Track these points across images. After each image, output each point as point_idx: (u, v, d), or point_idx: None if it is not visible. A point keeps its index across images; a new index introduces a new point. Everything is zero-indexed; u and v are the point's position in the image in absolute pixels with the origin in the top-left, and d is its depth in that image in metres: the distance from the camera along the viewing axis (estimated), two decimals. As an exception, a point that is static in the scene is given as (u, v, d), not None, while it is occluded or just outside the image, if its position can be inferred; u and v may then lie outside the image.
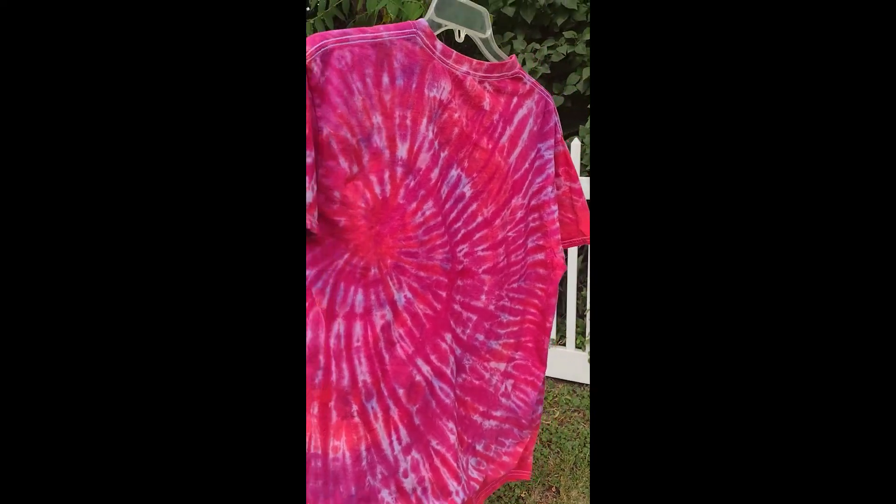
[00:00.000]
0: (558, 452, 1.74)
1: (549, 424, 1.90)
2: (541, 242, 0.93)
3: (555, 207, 0.92)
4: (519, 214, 0.88)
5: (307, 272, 0.68)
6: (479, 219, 0.83)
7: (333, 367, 0.70)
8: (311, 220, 0.63)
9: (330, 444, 0.72)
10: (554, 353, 2.13)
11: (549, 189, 0.91)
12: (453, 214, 0.79)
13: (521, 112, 0.83)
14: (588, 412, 1.94)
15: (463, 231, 0.81)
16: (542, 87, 0.86)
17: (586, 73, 2.11)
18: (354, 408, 0.72)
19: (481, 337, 0.88)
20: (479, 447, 0.92)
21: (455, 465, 0.85)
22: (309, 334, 0.69)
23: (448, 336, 0.81)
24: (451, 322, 0.82)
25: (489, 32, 0.78)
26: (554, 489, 1.58)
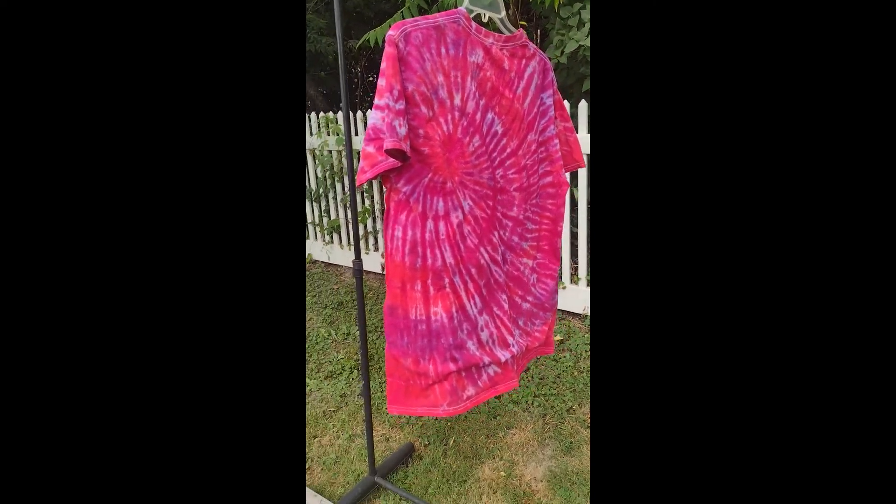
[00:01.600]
0: (613, 380, 1.95)
1: (608, 359, 2.11)
2: (548, 168, 1.20)
3: (556, 141, 1.19)
4: (533, 147, 1.16)
5: (405, 188, 1.01)
6: (508, 150, 1.12)
7: (429, 254, 1.05)
8: (406, 147, 0.94)
9: (431, 310, 1.08)
10: (568, 289, 2.31)
11: (552, 127, 1.18)
12: (491, 146, 1.10)
13: (529, 70, 1.10)
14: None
15: (498, 159, 1.12)
16: (541, 51, 1.12)
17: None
18: (446, 280, 1.08)
19: (516, 238, 1.20)
20: (520, 322, 1.25)
21: (510, 325, 1.22)
22: (409, 232, 1.03)
23: (495, 234, 1.15)
24: (496, 225, 1.15)
25: (503, 13, 1.05)
26: (603, 405, 1.81)
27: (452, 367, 1.11)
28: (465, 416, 1.77)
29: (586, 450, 1.59)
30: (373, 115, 0.93)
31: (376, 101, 0.93)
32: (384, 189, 1.04)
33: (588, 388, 1.90)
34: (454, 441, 1.66)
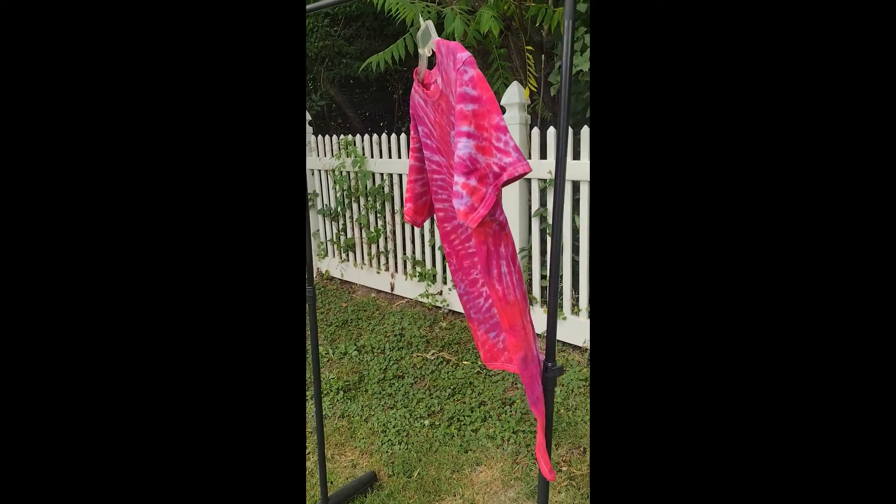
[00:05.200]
0: (600, 421, 1.84)
1: (600, 398, 2.00)
2: None
3: None
4: None
5: (501, 217, 0.93)
6: None
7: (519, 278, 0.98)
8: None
9: (534, 338, 1.00)
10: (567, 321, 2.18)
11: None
12: None
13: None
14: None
15: None
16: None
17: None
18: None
19: None
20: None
21: None
22: (514, 264, 0.95)
23: None
24: None
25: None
26: (582, 448, 1.71)
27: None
28: (436, 448, 1.74)
29: (552, 495, 1.51)
30: (467, 144, 0.84)
31: (465, 127, 0.83)
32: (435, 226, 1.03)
33: (570, 429, 1.81)
34: (419, 473, 1.63)
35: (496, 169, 0.82)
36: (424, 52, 1.04)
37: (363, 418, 1.95)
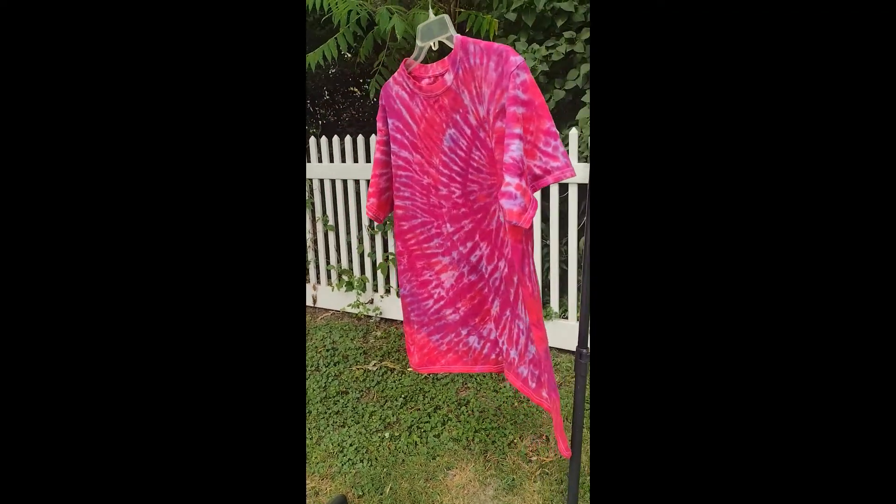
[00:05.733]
0: (553, 410, 1.92)
1: (547, 388, 2.09)
2: None
3: None
4: None
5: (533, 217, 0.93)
6: None
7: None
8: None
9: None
10: (557, 325, 2.31)
11: None
12: None
13: None
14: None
15: None
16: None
17: (584, 69, 2.30)
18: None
19: None
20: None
21: None
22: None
23: None
24: None
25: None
26: (545, 437, 1.77)
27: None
28: (403, 460, 1.66)
29: (528, 486, 1.53)
30: (519, 147, 0.85)
31: (517, 130, 0.85)
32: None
33: (528, 419, 1.86)
34: (391, 489, 1.54)
35: (537, 171, 0.85)
36: (428, 44, 1.00)
37: (314, 441, 1.79)
